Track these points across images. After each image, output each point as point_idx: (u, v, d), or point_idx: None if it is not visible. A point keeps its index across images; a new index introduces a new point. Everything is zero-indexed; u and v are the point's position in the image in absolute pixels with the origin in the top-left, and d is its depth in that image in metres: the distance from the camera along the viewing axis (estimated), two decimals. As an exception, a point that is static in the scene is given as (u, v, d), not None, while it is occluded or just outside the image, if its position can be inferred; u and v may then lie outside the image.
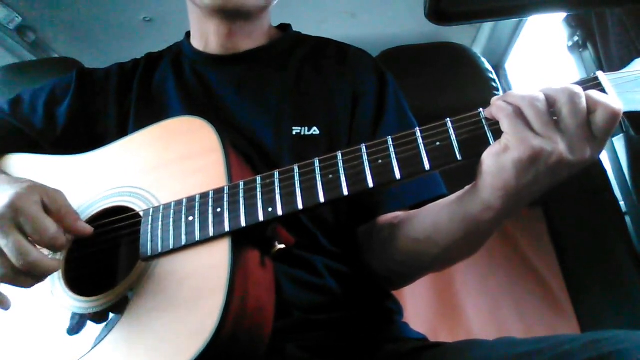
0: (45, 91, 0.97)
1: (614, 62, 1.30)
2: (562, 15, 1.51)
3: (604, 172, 1.43)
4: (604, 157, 1.49)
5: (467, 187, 0.68)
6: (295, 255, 0.79)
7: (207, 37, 0.98)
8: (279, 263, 0.74)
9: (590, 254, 1.36)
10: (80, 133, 0.94)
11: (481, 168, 0.62)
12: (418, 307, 1.33)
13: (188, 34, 1.04)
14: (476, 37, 2.01)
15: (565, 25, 1.51)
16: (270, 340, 0.67)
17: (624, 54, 1.25)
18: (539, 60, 2.08)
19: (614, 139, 1.42)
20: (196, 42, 1.01)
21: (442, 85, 1.43)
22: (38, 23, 1.85)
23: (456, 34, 1.96)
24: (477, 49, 1.99)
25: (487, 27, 1.92)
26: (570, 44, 1.52)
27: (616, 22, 1.27)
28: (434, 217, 0.74)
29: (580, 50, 1.48)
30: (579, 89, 0.57)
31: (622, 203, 1.43)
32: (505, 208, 0.63)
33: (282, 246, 0.69)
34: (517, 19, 1.75)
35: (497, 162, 0.59)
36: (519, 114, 0.57)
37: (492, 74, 1.45)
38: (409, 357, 0.77)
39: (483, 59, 1.48)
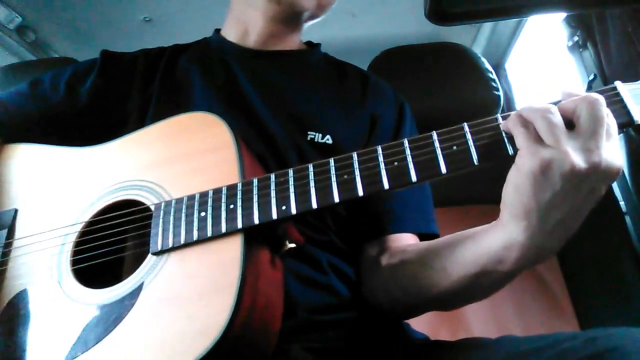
0: (68, 72, 0.97)
1: (613, 62, 1.31)
2: (562, 15, 1.51)
3: (604, 172, 1.42)
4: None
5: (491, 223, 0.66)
6: (300, 250, 0.78)
7: (246, 30, 0.99)
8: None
9: (590, 254, 1.36)
10: (99, 114, 0.93)
11: (502, 201, 0.61)
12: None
13: (217, 31, 1.05)
14: (476, 37, 2.00)
15: (565, 25, 1.52)
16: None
17: (624, 54, 1.25)
18: (539, 60, 2.08)
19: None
20: (231, 35, 1.01)
21: (442, 85, 1.43)
22: (38, 23, 1.85)
23: (456, 34, 1.96)
24: (477, 49, 1.99)
25: (487, 27, 1.92)
26: (570, 44, 1.52)
27: (616, 22, 1.27)
28: (453, 246, 0.72)
29: (580, 50, 1.49)
30: (598, 96, 0.57)
31: (622, 203, 1.43)
32: (529, 245, 0.60)
33: (292, 245, 0.68)
34: (517, 19, 1.75)
35: (515, 184, 0.59)
36: (531, 128, 0.58)
37: (492, 74, 1.45)
38: (411, 357, 0.77)
39: (483, 59, 1.47)
